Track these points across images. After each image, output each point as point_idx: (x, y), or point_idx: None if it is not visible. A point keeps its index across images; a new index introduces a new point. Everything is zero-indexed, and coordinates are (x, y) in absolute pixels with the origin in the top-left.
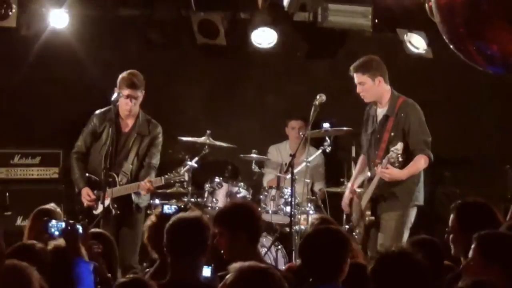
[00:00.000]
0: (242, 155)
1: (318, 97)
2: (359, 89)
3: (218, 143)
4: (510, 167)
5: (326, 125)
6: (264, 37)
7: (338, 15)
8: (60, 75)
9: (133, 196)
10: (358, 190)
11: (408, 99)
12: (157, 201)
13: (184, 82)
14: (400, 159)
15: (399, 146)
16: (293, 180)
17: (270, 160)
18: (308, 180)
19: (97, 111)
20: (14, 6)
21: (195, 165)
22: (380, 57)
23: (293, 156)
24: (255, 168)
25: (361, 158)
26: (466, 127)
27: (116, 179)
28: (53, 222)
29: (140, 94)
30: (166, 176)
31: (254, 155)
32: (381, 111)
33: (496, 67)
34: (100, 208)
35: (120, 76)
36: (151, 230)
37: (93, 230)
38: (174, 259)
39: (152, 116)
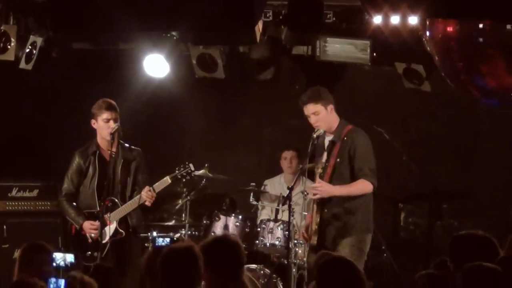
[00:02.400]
0: (241, 188)
1: (316, 130)
2: (313, 119)
3: (216, 176)
4: None
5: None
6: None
7: (336, 49)
8: (58, 108)
9: (130, 221)
10: None
11: (356, 127)
12: (154, 233)
13: (183, 116)
14: None
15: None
16: (290, 213)
17: (267, 193)
18: (306, 213)
19: (78, 150)
20: (13, 39)
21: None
22: (378, 90)
23: (290, 189)
24: (252, 201)
25: None
26: (464, 159)
27: (117, 201)
28: (53, 279)
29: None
30: (172, 174)
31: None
32: (328, 139)
33: (491, 100)
34: (107, 235)
35: (95, 105)
36: (146, 263)
37: (99, 263)
38: None
39: (150, 149)
